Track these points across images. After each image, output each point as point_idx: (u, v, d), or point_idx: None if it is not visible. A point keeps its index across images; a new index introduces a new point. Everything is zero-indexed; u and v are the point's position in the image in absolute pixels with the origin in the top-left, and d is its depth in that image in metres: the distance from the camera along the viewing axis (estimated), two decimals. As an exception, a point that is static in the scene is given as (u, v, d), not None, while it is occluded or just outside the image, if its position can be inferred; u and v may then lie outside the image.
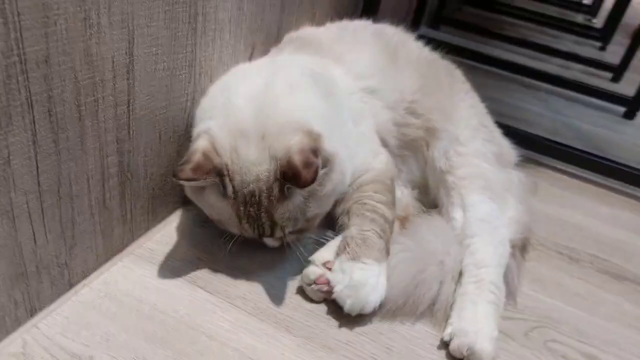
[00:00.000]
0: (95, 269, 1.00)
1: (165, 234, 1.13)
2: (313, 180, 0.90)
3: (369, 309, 1.01)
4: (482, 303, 1.05)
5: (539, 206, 1.54)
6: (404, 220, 1.25)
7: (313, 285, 1.04)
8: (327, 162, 0.96)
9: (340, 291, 1.00)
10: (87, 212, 0.91)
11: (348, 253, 1.04)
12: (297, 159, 0.89)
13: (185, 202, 1.17)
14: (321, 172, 0.93)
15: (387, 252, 1.09)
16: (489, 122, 1.45)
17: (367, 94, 1.27)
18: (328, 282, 1.03)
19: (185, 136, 1.10)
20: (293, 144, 0.92)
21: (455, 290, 1.10)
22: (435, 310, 1.07)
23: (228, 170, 0.94)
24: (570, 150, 1.81)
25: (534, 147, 1.79)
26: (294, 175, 0.89)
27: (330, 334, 0.99)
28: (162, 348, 0.89)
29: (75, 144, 0.82)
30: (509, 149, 1.48)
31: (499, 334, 1.04)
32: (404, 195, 1.32)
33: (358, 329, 1.01)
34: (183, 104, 1.06)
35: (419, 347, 1.00)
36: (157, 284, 1.01)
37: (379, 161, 1.23)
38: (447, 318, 1.05)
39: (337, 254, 1.06)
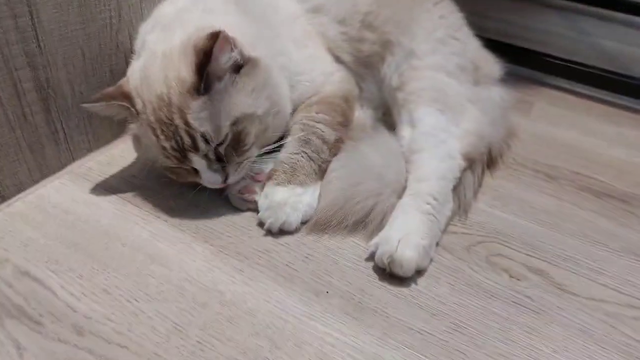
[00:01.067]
0: (30, 184, 1.05)
1: (108, 156, 1.16)
2: (222, 50, 0.87)
3: (288, 226, 0.99)
4: (413, 212, 0.98)
5: (526, 125, 1.41)
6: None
7: (237, 194, 1.03)
8: (248, 61, 0.94)
9: (261, 214, 0.99)
10: (5, 125, 0.95)
11: (274, 179, 1.02)
12: (208, 36, 0.86)
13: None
14: (242, 70, 0.92)
15: (322, 173, 1.06)
16: (463, 35, 1.32)
17: (312, 14, 1.21)
18: (253, 193, 1.02)
19: (118, 55, 1.11)
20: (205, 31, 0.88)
21: (395, 204, 1.04)
22: (367, 222, 1.01)
23: (137, 91, 0.93)
24: (581, 68, 1.63)
25: (531, 64, 1.63)
26: (203, 47, 0.86)
27: (249, 243, 0.97)
28: (75, 252, 0.93)
29: (-30, 52, 0.85)
30: (489, 63, 1.35)
31: (438, 248, 0.97)
32: (362, 115, 1.25)
33: (280, 240, 0.99)
34: (106, 20, 1.06)
35: (341, 257, 0.96)
36: (87, 198, 1.04)
37: (332, 81, 1.18)
38: (380, 231, 0.99)
39: (267, 179, 1.04)
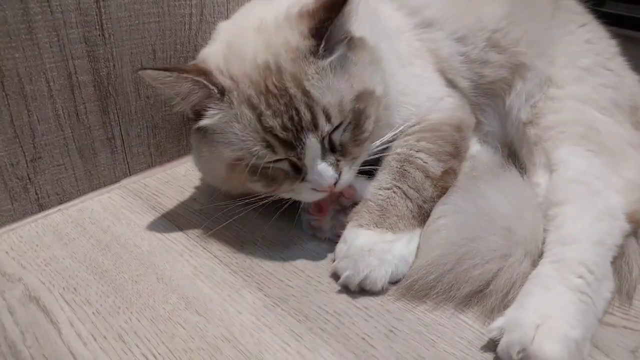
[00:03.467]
0: (75, 195, 0.90)
1: (170, 174, 0.99)
2: (350, 5, 0.70)
3: (371, 284, 0.73)
4: (558, 287, 0.68)
5: None
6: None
7: (305, 214, 0.84)
8: (358, 39, 0.78)
9: (336, 263, 0.76)
10: (52, 121, 0.81)
11: (356, 219, 0.78)
12: None
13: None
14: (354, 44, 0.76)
15: (422, 217, 0.80)
16: (617, 65, 1.02)
17: (422, 29, 0.99)
18: (322, 214, 0.82)
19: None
20: None
21: (529, 272, 0.74)
22: (486, 295, 0.72)
23: (221, 69, 0.73)
24: None
25: None
26: (326, 3, 0.71)
27: (316, 300, 0.72)
28: (100, 281, 0.74)
29: (19, 29, 0.73)
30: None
31: (591, 345, 0.65)
32: (482, 152, 0.98)
33: (357, 301, 0.73)
34: (185, 16, 0.92)
35: (442, 339, 0.67)
36: (132, 218, 0.87)
37: (440, 107, 0.93)
38: (505, 308, 0.70)
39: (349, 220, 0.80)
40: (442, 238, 0.76)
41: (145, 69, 0.72)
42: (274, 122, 0.70)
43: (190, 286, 0.74)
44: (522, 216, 0.78)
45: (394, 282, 0.75)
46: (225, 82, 0.72)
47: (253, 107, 0.71)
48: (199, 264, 0.78)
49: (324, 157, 0.73)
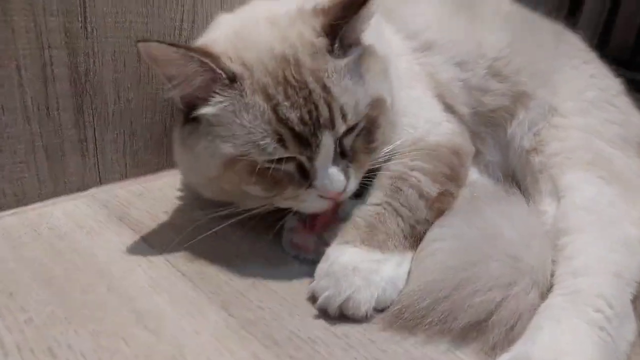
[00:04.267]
0: (35, 199, 0.82)
1: (144, 188, 0.91)
2: (367, 7, 0.68)
3: (354, 307, 0.63)
4: (574, 321, 0.59)
5: None
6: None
7: (286, 232, 0.76)
8: (367, 47, 0.75)
9: (315, 283, 0.66)
10: (19, 112, 0.75)
11: (341, 236, 0.70)
12: None
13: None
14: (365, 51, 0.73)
15: (414, 238, 0.72)
16: (622, 103, 0.97)
17: (421, 53, 0.95)
18: (308, 231, 0.75)
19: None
20: None
21: (537, 305, 0.64)
22: (488, 327, 0.62)
23: (230, 55, 0.67)
24: None
25: None
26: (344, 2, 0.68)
27: (288, 324, 0.62)
28: (43, 288, 0.64)
29: (-11, 7, 0.68)
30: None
31: None
32: (480, 180, 0.91)
33: (336, 328, 0.63)
34: (175, 21, 0.89)
35: (432, 377, 0.56)
36: (93, 226, 0.78)
37: (438, 132, 0.87)
38: (509, 345, 0.60)
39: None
40: (438, 262, 0.67)
41: (147, 40, 0.65)
42: (291, 114, 0.65)
43: (144, 300, 0.64)
44: (528, 244, 0.70)
45: (380, 310, 0.65)
46: (237, 68, 0.66)
47: (268, 97, 0.65)
48: (159, 276, 0.68)
49: (335, 160, 0.68)
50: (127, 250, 0.73)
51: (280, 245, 0.77)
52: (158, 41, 0.65)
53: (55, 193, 0.84)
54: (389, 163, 0.79)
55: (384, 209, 0.72)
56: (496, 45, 0.96)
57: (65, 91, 0.79)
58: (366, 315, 0.64)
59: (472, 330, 0.62)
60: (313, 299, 0.66)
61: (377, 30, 0.86)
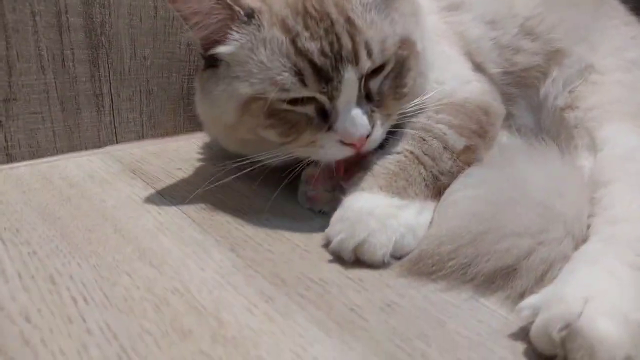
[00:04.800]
0: (50, 153, 0.81)
1: (160, 148, 0.90)
2: None
3: (370, 253, 0.59)
4: (613, 262, 0.52)
5: None
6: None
7: (301, 185, 0.72)
8: None
9: (329, 228, 0.62)
10: (34, 61, 0.75)
11: (359, 183, 0.66)
12: None
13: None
14: None
15: (437, 189, 0.68)
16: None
17: (449, 12, 0.92)
18: (318, 185, 0.70)
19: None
20: None
21: (570, 255, 0.59)
22: (516, 274, 0.57)
23: None
24: None
25: None
26: None
27: (297, 266, 0.58)
28: (48, 226, 0.63)
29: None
30: None
31: None
32: (510, 139, 0.86)
33: (350, 272, 0.58)
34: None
35: (453, 320, 0.51)
36: (106, 177, 0.77)
37: (467, 90, 0.82)
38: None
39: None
40: (462, 208, 0.62)
41: None
42: (311, 45, 0.61)
43: (150, 239, 0.61)
44: (562, 193, 0.64)
45: (397, 258, 0.60)
46: (255, 3, 0.63)
47: (287, 29, 0.61)
48: (166, 220, 0.66)
49: (359, 102, 0.63)
50: (138, 198, 0.71)
51: (294, 200, 0.73)
52: None
53: (71, 147, 0.83)
54: (413, 118, 0.76)
55: (405, 156, 0.67)
56: (529, 4, 0.91)
57: (80, 42, 0.78)
58: (383, 260, 0.59)
59: (498, 277, 0.57)
60: (327, 245, 0.62)
61: None
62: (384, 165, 0.67)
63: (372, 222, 0.60)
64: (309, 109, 0.64)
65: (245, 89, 0.63)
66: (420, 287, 0.56)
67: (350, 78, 0.61)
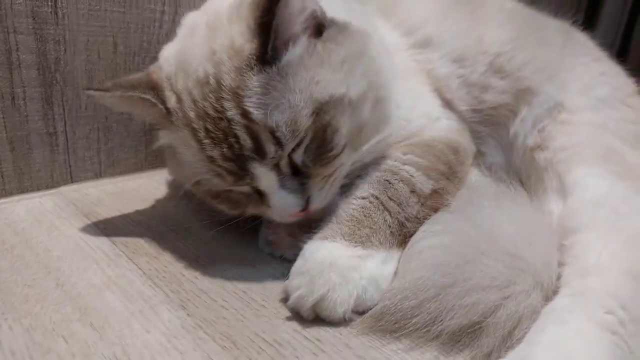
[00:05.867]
0: (1, 195, 0.77)
1: (119, 187, 0.86)
2: None
3: (330, 309, 0.56)
4: (582, 323, 0.50)
5: None
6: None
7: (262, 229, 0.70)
8: (331, 23, 0.64)
9: (288, 281, 0.59)
10: (-21, 98, 0.71)
11: (321, 232, 0.63)
12: None
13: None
14: (325, 33, 0.62)
15: (403, 237, 0.65)
16: (636, 102, 0.90)
17: (418, 50, 0.90)
18: (279, 229, 0.68)
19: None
20: None
21: (539, 309, 0.56)
22: (482, 331, 0.54)
23: (170, 82, 0.63)
24: None
25: None
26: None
27: (252, 324, 0.55)
28: (-17, 281, 0.58)
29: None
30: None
31: None
32: (480, 178, 0.83)
33: (308, 331, 0.55)
34: (156, 12, 0.85)
35: (415, 386, 0.48)
36: (56, 223, 0.72)
37: (435, 128, 0.81)
38: (506, 352, 0.51)
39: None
40: (427, 259, 0.59)
41: (89, 89, 0.67)
42: (214, 152, 0.58)
43: (94, 297, 0.57)
44: (531, 241, 0.62)
45: (360, 313, 0.57)
46: (171, 100, 0.62)
47: (195, 134, 0.59)
48: (115, 274, 0.62)
49: (282, 183, 0.60)
50: (87, 247, 0.67)
51: (256, 245, 0.70)
52: (96, 88, 0.64)
53: (21, 189, 0.79)
54: (379, 158, 0.73)
55: (370, 202, 0.64)
56: (498, 41, 0.89)
57: (32, 80, 0.75)
58: (344, 317, 0.56)
59: (464, 335, 0.54)
60: (286, 300, 0.58)
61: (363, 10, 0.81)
62: (348, 211, 0.64)
63: (333, 275, 0.56)
64: (245, 189, 0.63)
65: (188, 173, 0.64)
66: (382, 347, 0.53)
67: (261, 172, 0.59)
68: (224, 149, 0.58)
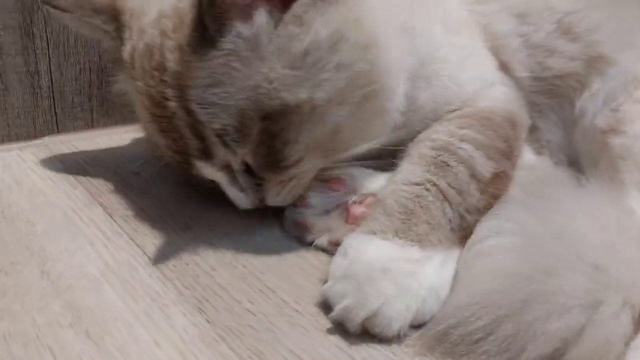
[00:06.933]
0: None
1: (116, 141, 0.73)
2: None
3: (384, 326, 0.45)
4: None
5: None
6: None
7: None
8: None
9: (329, 286, 0.47)
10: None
11: (366, 223, 0.52)
12: None
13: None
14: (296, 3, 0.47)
15: (462, 232, 0.53)
16: None
17: (474, 1, 0.76)
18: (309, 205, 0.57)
19: None
20: None
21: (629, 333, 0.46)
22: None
23: (131, 22, 0.52)
24: None
25: None
26: None
27: (287, 338, 0.44)
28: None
29: None
30: None
31: None
32: (536, 162, 0.73)
33: (353, 349, 0.45)
34: None
35: None
36: (39, 184, 0.61)
37: (490, 95, 0.69)
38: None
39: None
40: (497, 265, 0.49)
41: (46, 3, 0.54)
42: (159, 140, 0.52)
43: (88, 291, 0.46)
44: (618, 250, 0.51)
45: (416, 325, 0.47)
46: (127, 46, 0.52)
47: (143, 107, 0.52)
48: (115, 260, 0.50)
49: (232, 181, 0.54)
50: (78, 220, 0.55)
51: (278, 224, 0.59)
52: (54, 5, 0.53)
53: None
54: (433, 129, 0.61)
55: (427, 189, 0.53)
56: (567, -1, 0.77)
57: (7, 3, 0.59)
58: (399, 334, 0.46)
59: (545, 364, 0.45)
60: (325, 305, 0.48)
61: None
62: (400, 200, 0.52)
63: (388, 284, 0.46)
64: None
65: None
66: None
67: (210, 171, 0.52)
68: (168, 141, 0.51)
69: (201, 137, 0.49)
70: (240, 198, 0.54)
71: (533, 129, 0.76)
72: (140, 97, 0.51)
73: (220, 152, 0.50)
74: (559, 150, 0.77)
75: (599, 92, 0.73)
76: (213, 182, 0.55)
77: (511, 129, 0.67)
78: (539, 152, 0.76)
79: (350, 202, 0.56)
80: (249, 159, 0.51)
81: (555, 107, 0.78)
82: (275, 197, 0.55)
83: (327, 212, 0.58)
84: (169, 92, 0.48)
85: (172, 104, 0.48)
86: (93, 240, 0.52)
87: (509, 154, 0.64)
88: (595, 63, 0.74)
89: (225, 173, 0.52)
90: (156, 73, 0.48)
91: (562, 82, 0.76)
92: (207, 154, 0.50)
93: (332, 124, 0.52)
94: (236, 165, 0.52)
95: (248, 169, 0.53)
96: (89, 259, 0.50)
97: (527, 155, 0.72)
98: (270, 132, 0.49)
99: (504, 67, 0.75)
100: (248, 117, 0.48)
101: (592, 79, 0.75)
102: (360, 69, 0.51)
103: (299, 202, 0.58)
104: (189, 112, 0.48)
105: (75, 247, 0.51)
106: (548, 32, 0.75)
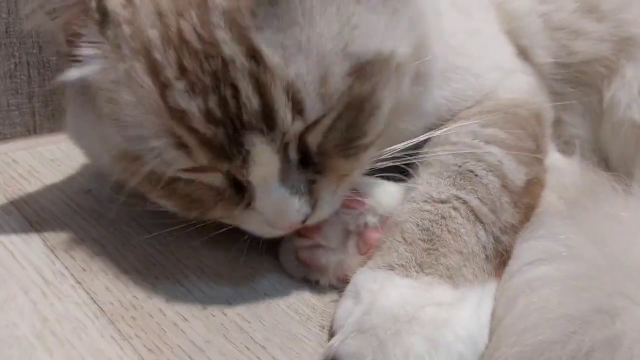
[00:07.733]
0: None
1: (64, 152, 0.60)
2: None
3: None
4: None
5: None
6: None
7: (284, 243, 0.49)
8: None
9: (340, 341, 0.37)
10: None
11: (380, 253, 0.43)
12: None
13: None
14: None
15: (499, 259, 0.44)
16: None
17: None
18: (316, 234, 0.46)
19: None
20: None
21: None
22: None
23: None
24: None
25: None
26: None
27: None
28: None
29: None
30: None
31: None
32: (565, 165, 0.64)
33: None
34: None
35: None
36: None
37: (510, 86, 0.61)
38: None
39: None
40: (546, 305, 0.39)
41: None
42: (190, 105, 0.38)
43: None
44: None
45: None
46: (118, 13, 0.39)
47: (153, 69, 0.38)
48: (55, 313, 0.39)
49: (285, 177, 0.41)
50: (8, 259, 0.43)
51: (260, 259, 0.48)
52: None
53: None
54: (445, 130, 0.52)
55: (454, 209, 0.44)
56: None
57: None
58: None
59: None
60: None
61: None
62: (423, 224, 0.43)
63: (417, 340, 0.36)
64: (219, 180, 0.42)
65: (117, 140, 0.41)
66: None
67: (262, 152, 0.39)
68: (211, 103, 0.37)
69: (267, 95, 0.37)
70: (289, 204, 0.41)
71: (557, 123, 0.68)
72: (150, 62, 0.38)
73: (287, 118, 0.38)
74: (585, 146, 0.68)
75: (633, 80, 0.66)
76: (233, 197, 0.43)
77: (537, 124, 0.59)
78: (562, 149, 0.68)
79: (364, 224, 0.45)
80: (316, 138, 0.41)
81: (581, 98, 0.70)
82: (329, 200, 0.44)
83: (342, 242, 0.47)
84: (221, 34, 0.37)
85: (229, 49, 0.36)
86: (28, 287, 0.40)
87: (538, 155, 0.55)
88: (626, 45, 0.67)
89: (280, 159, 0.40)
90: (197, 10, 0.37)
91: (589, 68, 0.68)
92: (268, 121, 0.38)
93: (400, 95, 0.44)
94: (293, 148, 0.40)
95: (302, 161, 0.42)
96: (22, 315, 0.38)
97: (554, 155, 0.63)
98: (361, 93, 0.40)
99: (524, 53, 0.67)
100: (334, 67, 0.38)
101: (623, 65, 0.67)
102: (420, 33, 0.46)
103: (307, 232, 0.47)
104: (254, 54, 0.37)
105: (3, 297, 0.39)
106: (570, 10, 0.68)
